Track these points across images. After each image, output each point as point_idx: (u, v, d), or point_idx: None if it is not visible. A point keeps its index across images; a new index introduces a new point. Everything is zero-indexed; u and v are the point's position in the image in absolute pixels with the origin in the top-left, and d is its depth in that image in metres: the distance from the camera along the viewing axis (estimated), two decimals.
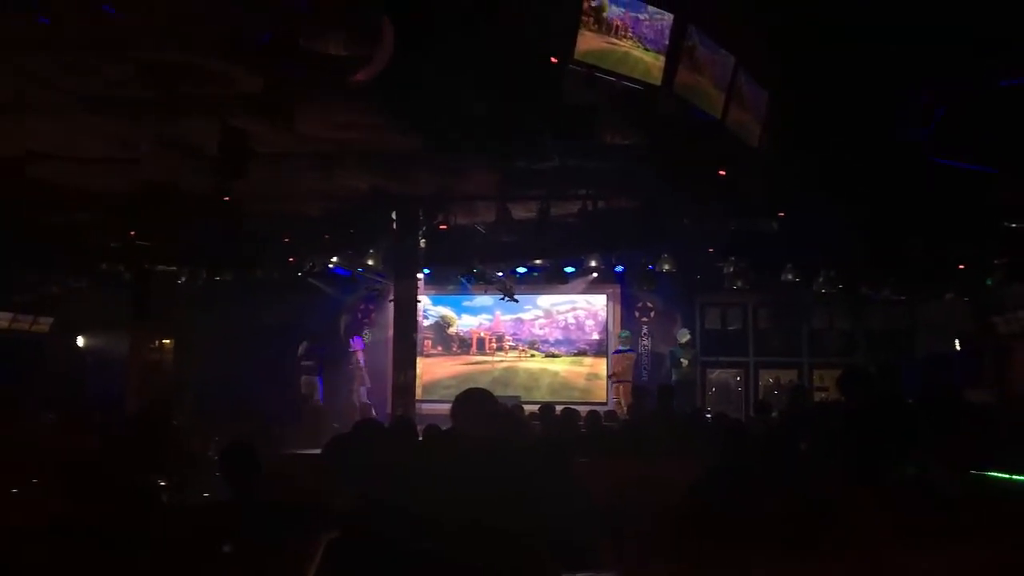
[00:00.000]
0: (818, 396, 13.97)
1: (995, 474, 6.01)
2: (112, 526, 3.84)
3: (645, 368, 15.96)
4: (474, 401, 4.07)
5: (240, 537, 3.88)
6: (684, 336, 15.12)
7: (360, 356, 15.66)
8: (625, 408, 13.79)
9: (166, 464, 7.16)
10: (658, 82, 6.54)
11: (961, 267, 12.95)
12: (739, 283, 13.97)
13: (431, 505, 3.22)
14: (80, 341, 16.90)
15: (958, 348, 14.43)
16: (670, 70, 6.54)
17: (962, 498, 5.00)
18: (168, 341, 16.32)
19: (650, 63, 6.45)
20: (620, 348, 15.36)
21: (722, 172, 8.60)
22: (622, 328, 15.92)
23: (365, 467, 4.04)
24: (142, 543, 3.81)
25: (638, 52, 6.37)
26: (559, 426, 8.64)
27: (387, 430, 5.89)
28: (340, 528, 3.55)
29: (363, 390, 15.43)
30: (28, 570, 3.65)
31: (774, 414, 10.43)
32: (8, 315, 15.63)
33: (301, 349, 15.25)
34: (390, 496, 3.50)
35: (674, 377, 14.58)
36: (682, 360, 14.83)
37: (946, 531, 4.27)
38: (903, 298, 14.47)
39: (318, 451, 4.93)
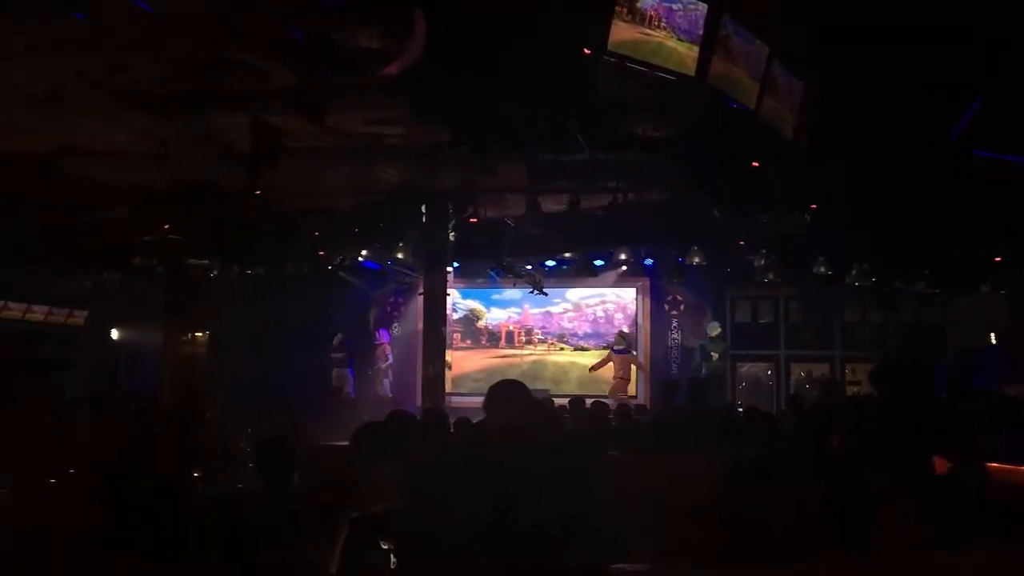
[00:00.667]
0: (850, 390, 13.84)
1: None
2: (149, 521, 3.88)
3: (675, 361, 15.89)
4: (507, 393, 4.04)
5: (274, 527, 3.91)
6: (715, 329, 14.96)
7: (387, 349, 15.73)
8: (649, 403, 13.77)
9: (200, 457, 7.23)
10: (692, 73, 6.49)
11: (997, 260, 12.76)
12: (770, 276, 13.85)
13: (463, 495, 3.21)
14: (114, 334, 17.11)
15: (993, 342, 14.23)
16: (704, 60, 6.49)
17: (999, 494, 4.94)
18: (201, 335, 16.49)
19: (684, 54, 6.41)
20: (617, 348, 15.21)
21: (755, 164, 8.52)
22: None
23: (397, 456, 4.04)
24: (179, 536, 3.84)
25: (672, 43, 6.32)
26: (589, 419, 8.62)
27: (419, 422, 5.91)
28: (369, 515, 3.56)
29: (387, 383, 15.49)
30: (63, 567, 3.68)
31: (806, 408, 10.33)
32: (44, 309, 15.87)
33: (335, 341, 15.36)
34: (421, 486, 3.50)
35: (704, 371, 14.47)
36: (712, 353, 14.68)
37: (984, 528, 4.22)
38: (937, 291, 14.27)
39: (348, 443, 4.95)
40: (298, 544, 3.74)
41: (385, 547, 3.57)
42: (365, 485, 3.99)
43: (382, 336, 15.88)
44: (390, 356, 15.66)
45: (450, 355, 14.27)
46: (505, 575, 2.99)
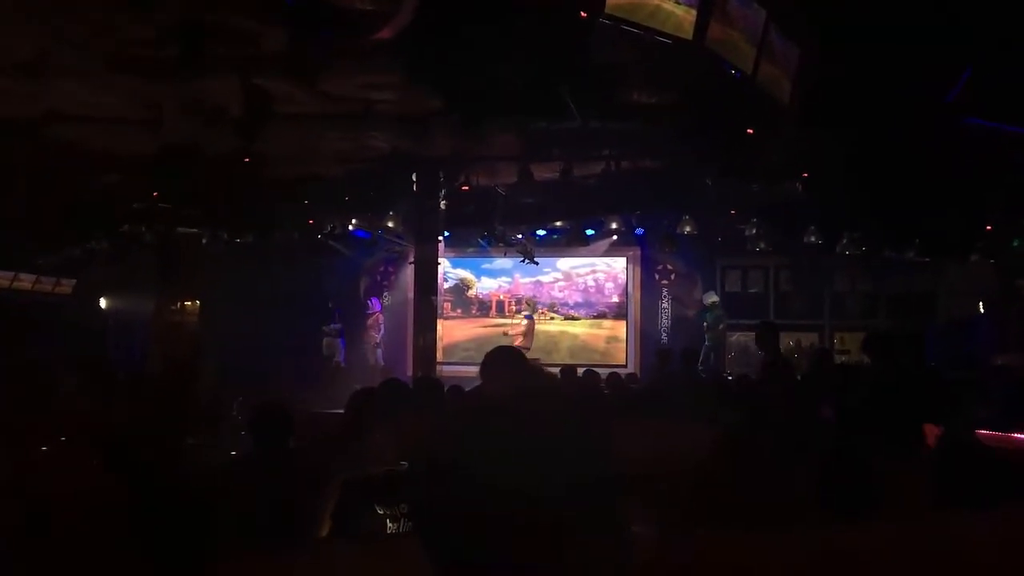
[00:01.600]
0: (839, 359, 13.87)
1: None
2: (142, 490, 3.84)
3: (666, 331, 15.91)
4: (504, 358, 4.01)
5: (270, 494, 3.89)
6: (711, 298, 14.87)
7: (380, 318, 15.69)
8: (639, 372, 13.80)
9: (191, 425, 7.21)
10: (689, 36, 6.41)
11: (988, 228, 12.79)
12: (761, 245, 13.84)
13: (471, 461, 3.19)
14: (103, 303, 16.99)
15: (982, 311, 14.28)
16: (702, 24, 6.40)
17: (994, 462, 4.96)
18: (190, 303, 16.39)
19: (681, 17, 6.32)
20: (528, 315, 15.22)
21: (750, 131, 8.48)
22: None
23: (390, 422, 4.02)
24: (171, 506, 3.81)
25: (669, 5, 6.23)
26: (581, 388, 8.62)
27: (412, 389, 5.89)
28: (363, 478, 3.54)
29: (379, 352, 15.48)
30: (58, 538, 3.65)
31: (797, 377, 10.35)
32: (31, 277, 15.73)
33: (330, 321, 15.34)
34: (431, 450, 3.48)
35: (708, 341, 14.38)
36: (705, 323, 14.66)
37: (986, 495, 4.22)
38: (927, 260, 14.30)
39: (340, 411, 4.92)
40: (294, 509, 3.73)
41: (381, 511, 3.56)
42: (359, 450, 3.98)
43: (374, 305, 15.82)
44: (383, 326, 15.63)
45: (440, 324, 14.25)
46: (522, 543, 2.97)
